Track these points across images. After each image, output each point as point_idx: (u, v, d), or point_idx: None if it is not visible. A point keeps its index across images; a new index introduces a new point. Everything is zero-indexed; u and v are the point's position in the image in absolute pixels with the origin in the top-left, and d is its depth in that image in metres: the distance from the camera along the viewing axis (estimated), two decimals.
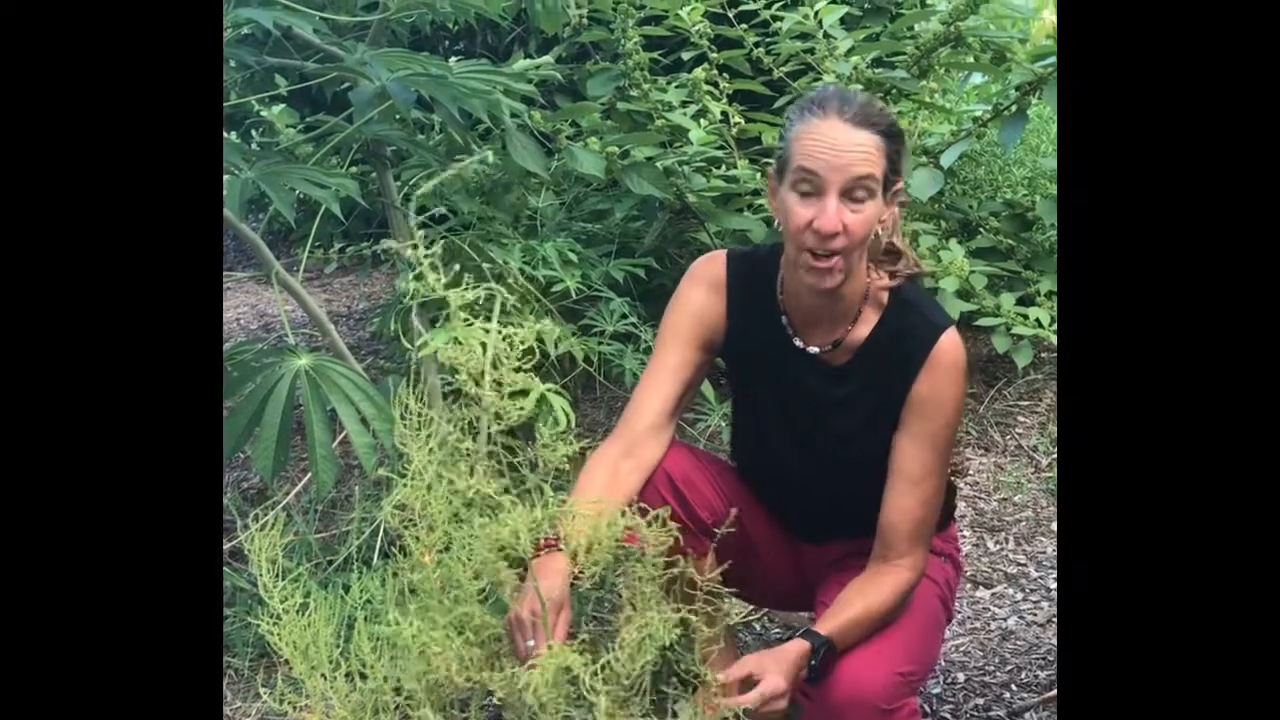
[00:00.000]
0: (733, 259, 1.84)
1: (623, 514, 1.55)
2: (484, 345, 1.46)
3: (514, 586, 1.56)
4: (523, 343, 1.49)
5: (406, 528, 1.52)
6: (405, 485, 1.50)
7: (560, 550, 1.59)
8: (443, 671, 1.48)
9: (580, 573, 1.57)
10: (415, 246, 1.51)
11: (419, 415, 1.50)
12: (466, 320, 1.48)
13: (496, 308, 1.54)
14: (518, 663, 1.54)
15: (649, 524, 1.55)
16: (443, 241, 2.93)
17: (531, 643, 1.54)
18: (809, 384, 1.79)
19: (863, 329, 1.75)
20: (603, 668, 1.48)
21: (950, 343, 1.72)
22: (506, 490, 1.48)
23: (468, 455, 1.49)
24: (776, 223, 1.74)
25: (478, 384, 1.48)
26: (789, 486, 1.88)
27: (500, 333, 1.48)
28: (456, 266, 1.53)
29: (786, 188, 1.66)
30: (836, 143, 1.62)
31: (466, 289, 1.49)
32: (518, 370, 1.49)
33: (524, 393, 1.51)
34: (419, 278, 1.49)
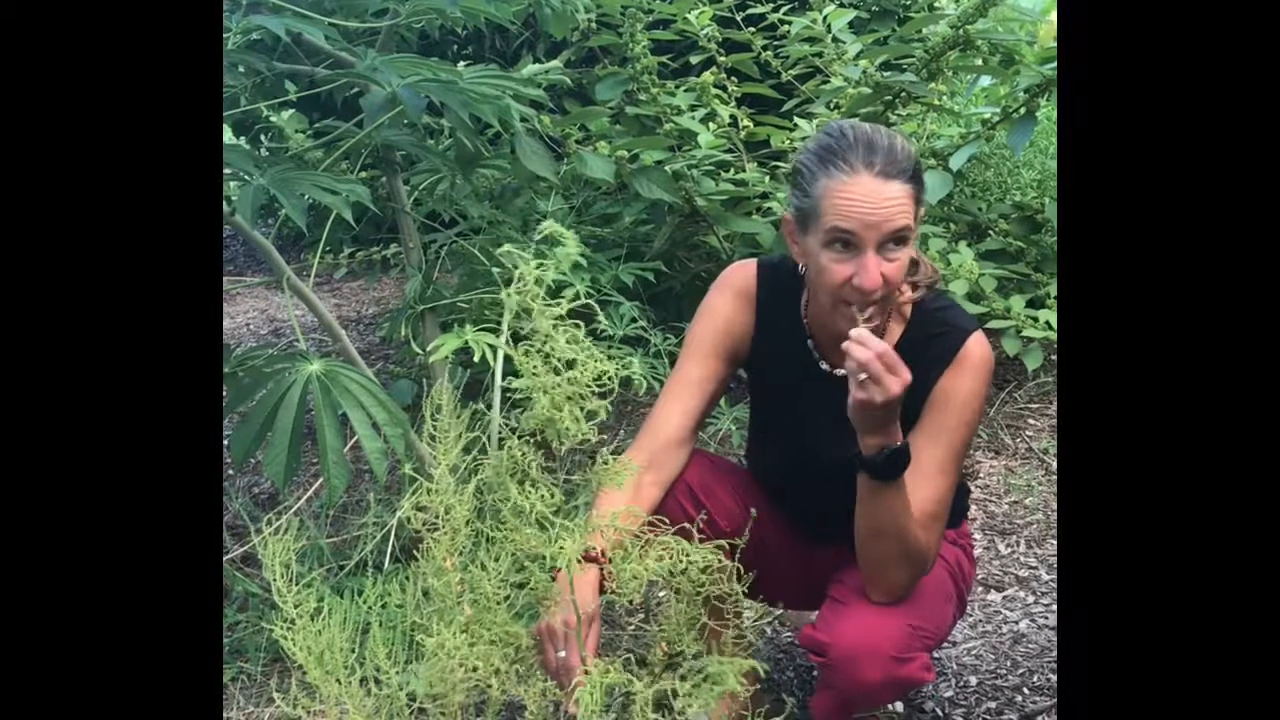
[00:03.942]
0: (763, 269, 1.82)
1: (679, 546, 1.54)
2: (569, 363, 1.43)
3: (545, 597, 1.56)
4: (603, 372, 1.46)
5: (429, 530, 1.52)
6: (430, 488, 1.50)
7: (595, 563, 1.59)
8: (481, 683, 1.48)
9: (616, 588, 1.55)
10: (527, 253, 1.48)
11: (450, 419, 1.50)
12: (548, 338, 1.45)
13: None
14: (546, 673, 1.54)
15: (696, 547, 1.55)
16: (452, 245, 2.95)
17: (563, 653, 1.53)
18: (833, 404, 1.73)
19: (888, 343, 1.74)
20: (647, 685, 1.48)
21: (977, 343, 1.71)
22: (558, 509, 1.48)
23: (534, 469, 1.47)
24: (801, 267, 1.72)
25: (554, 402, 1.45)
26: (804, 493, 1.87)
27: (594, 356, 1.45)
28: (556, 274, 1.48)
29: (817, 244, 1.62)
30: (870, 201, 1.57)
31: (559, 301, 1.45)
32: (595, 395, 1.45)
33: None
34: (517, 282, 1.47)
